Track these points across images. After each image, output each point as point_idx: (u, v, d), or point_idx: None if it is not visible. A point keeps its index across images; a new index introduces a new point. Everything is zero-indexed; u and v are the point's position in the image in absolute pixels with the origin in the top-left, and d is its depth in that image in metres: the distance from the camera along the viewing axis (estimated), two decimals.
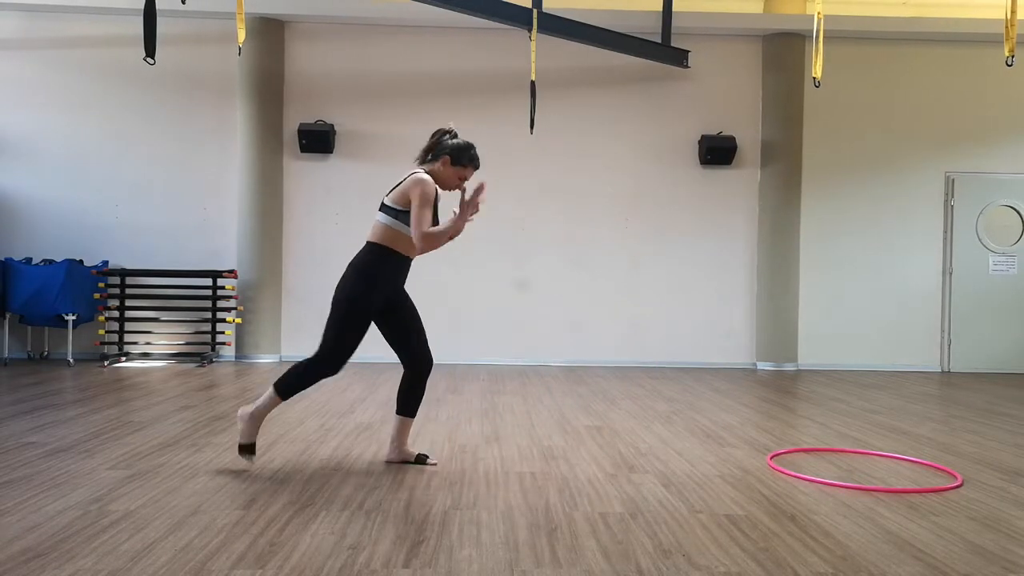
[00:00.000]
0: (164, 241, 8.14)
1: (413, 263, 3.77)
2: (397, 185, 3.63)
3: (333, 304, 3.61)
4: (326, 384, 6.37)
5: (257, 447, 4.06)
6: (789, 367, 8.29)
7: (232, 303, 7.95)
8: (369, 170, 8.13)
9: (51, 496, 3.13)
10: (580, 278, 8.38)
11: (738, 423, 5.09)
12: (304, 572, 2.41)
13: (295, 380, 3.59)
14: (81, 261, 7.82)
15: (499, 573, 2.44)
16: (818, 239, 8.43)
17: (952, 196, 8.48)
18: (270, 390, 3.62)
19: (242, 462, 3.72)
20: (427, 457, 3.83)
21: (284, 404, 4.93)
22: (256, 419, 3.63)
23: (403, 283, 3.77)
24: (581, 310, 8.35)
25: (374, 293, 3.62)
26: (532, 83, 6.90)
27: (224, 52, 8.10)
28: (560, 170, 8.38)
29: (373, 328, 3.71)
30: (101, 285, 7.78)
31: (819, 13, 5.33)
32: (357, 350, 3.66)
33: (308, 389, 3.61)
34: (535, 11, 6.99)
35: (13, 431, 4.36)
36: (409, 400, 3.81)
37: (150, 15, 4.80)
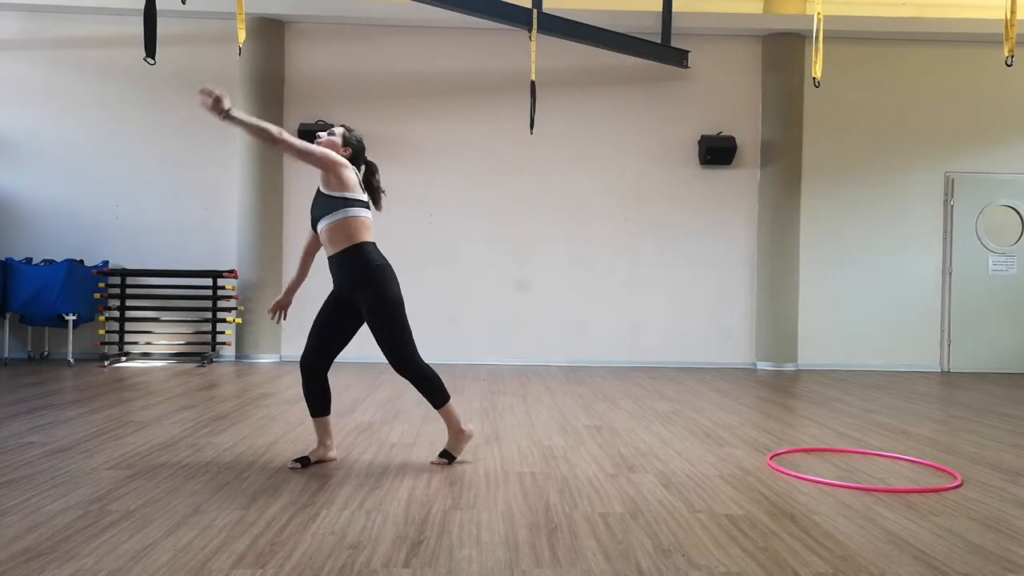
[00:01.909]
0: (164, 241, 8.14)
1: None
2: None
3: (383, 314, 3.64)
4: None
5: (260, 447, 4.07)
6: (789, 367, 8.29)
7: (232, 303, 7.96)
8: None
9: (51, 496, 3.13)
10: (580, 278, 8.37)
11: (738, 423, 5.09)
12: (304, 572, 2.41)
13: (432, 388, 3.76)
14: (81, 261, 7.83)
15: (499, 573, 2.44)
16: (818, 239, 8.43)
17: (952, 196, 8.48)
18: (439, 413, 3.83)
19: (243, 461, 3.76)
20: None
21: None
22: (454, 431, 3.84)
23: (340, 279, 3.70)
24: (581, 310, 8.35)
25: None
26: (532, 83, 6.89)
27: (224, 52, 8.10)
28: (560, 170, 8.38)
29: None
30: (101, 285, 7.78)
31: (819, 13, 5.34)
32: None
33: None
34: (535, 11, 6.99)
35: (13, 431, 4.36)
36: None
37: (150, 15, 4.81)
